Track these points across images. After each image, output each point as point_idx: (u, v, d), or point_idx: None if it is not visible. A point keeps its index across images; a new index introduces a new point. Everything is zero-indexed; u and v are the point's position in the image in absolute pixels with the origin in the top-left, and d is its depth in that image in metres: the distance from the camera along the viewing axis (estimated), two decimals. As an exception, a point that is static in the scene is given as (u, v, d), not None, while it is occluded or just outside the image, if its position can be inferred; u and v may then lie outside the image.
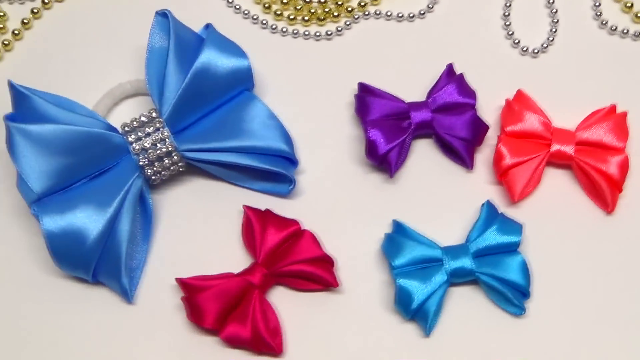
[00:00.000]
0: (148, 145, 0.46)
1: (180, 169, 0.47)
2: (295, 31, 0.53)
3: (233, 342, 0.43)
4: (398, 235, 0.45)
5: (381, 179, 0.48)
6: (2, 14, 0.55)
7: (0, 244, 0.47)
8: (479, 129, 0.48)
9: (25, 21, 0.54)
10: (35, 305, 0.45)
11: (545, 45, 0.52)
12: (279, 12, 0.54)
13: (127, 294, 0.45)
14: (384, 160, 0.47)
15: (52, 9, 0.55)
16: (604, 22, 0.53)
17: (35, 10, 0.55)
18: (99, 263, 0.45)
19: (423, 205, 0.47)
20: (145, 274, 0.46)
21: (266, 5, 0.54)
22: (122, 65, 0.52)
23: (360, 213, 0.47)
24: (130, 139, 0.46)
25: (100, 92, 0.51)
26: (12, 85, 0.46)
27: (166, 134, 0.46)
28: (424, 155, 0.49)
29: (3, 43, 0.53)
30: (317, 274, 0.44)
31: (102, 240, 0.44)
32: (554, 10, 0.53)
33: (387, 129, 0.48)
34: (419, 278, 0.43)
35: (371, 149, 0.47)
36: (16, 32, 0.54)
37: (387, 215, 0.47)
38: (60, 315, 0.45)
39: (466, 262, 0.44)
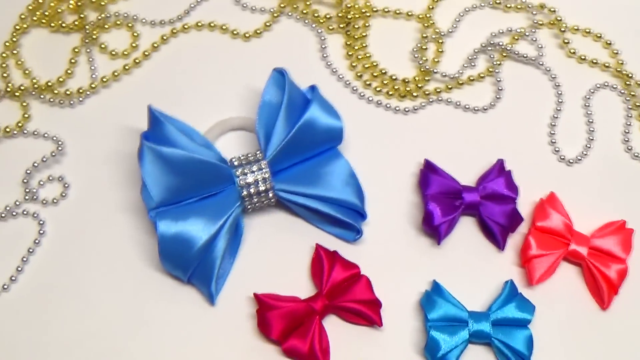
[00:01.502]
0: (251, 181, 0.56)
1: (271, 204, 0.58)
2: (379, 101, 0.64)
3: (291, 354, 0.54)
4: (435, 294, 0.56)
5: (429, 243, 0.59)
6: (136, 33, 0.65)
7: (114, 236, 0.57)
8: (515, 219, 0.59)
9: (155, 45, 0.64)
10: (131, 290, 0.55)
11: (579, 158, 0.63)
12: (368, 82, 0.64)
13: (212, 297, 0.55)
14: (436, 229, 0.58)
15: (178, 38, 0.65)
16: (629, 148, 0.63)
17: (164, 37, 0.65)
18: (196, 268, 0.55)
19: (459, 272, 0.58)
20: (227, 284, 0.56)
21: (358, 74, 0.65)
22: (232, 102, 0.62)
23: (408, 268, 0.58)
24: (237, 173, 0.56)
25: (212, 121, 0.61)
26: (150, 110, 0.56)
27: (267, 174, 0.56)
28: (467, 230, 0.59)
29: (134, 60, 0.63)
30: (366, 313, 0.55)
31: (204, 250, 0.55)
32: (592, 130, 0.64)
33: (443, 204, 0.58)
34: (447, 332, 0.54)
35: (428, 219, 0.58)
36: (146, 52, 0.64)
37: (429, 274, 0.57)
38: (151, 304, 0.55)
39: (486, 327, 0.55)
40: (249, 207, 0.57)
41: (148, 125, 0.56)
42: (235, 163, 0.57)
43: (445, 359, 0.54)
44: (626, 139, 0.64)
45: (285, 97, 0.57)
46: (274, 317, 0.54)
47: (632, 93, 0.65)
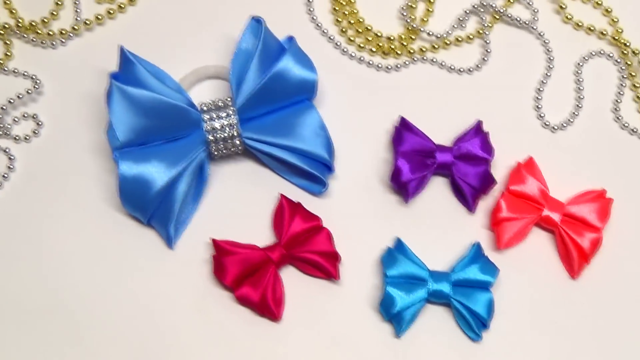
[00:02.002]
0: (218, 127, 0.56)
1: (238, 152, 0.57)
2: (361, 57, 0.62)
3: (243, 301, 0.54)
4: (397, 251, 0.55)
5: (397, 200, 0.58)
6: (124, -20, 0.65)
7: (81, 175, 0.57)
8: (488, 182, 0.57)
9: (142, -9, 0.65)
10: (92, 229, 0.56)
11: (564, 125, 0.61)
12: (352, 38, 0.63)
13: (170, 241, 0.55)
14: (404, 187, 0.57)
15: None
16: (619, 117, 0.61)
17: (152, -16, 0.65)
18: (155, 210, 0.55)
19: (424, 231, 0.57)
20: (188, 229, 0.56)
21: (343, 29, 0.64)
22: (209, 49, 0.62)
23: (373, 225, 0.57)
24: (205, 117, 0.56)
25: (187, 68, 0.60)
26: (121, 49, 0.56)
27: (235, 120, 0.56)
28: (437, 190, 0.58)
29: (119, 5, 0.63)
30: (323, 265, 0.54)
31: (163, 192, 0.54)
32: (581, 97, 0.62)
33: (413, 162, 0.57)
34: (404, 290, 0.53)
35: (396, 175, 0.56)
36: (132, -2, 0.64)
37: (393, 232, 0.56)
38: (110, 243, 0.55)
39: (445, 287, 0.53)
40: (215, 152, 0.56)
41: (119, 66, 0.56)
42: (204, 108, 0.56)
43: (401, 316, 0.53)
44: (616, 108, 0.61)
45: (259, 45, 0.57)
46: (229, 262, 0.53)
47: (628, 62, 0.63)
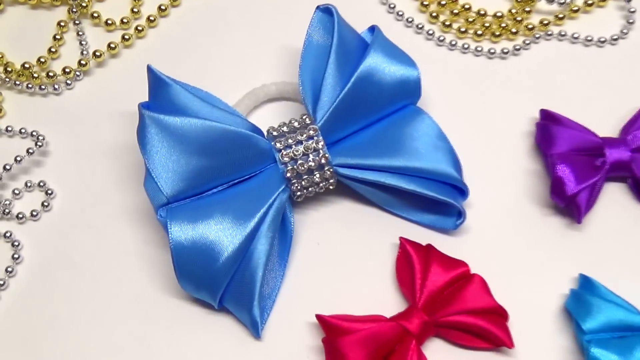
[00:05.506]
0: (298, 155, 0.39)
1: (330, 187, 0.41)
2: (465, 45, 0.47)
3: (379, 399, 0.36)
4: (587, 293, 0.37)
5: (564, 223, 0.41)
6: (137, -4, 0.50)
7: (117, 253, 0.41)
8: (687, 178, 0.41)
9: (163, 7, 0.49)
10: (148, 328, 0.39)
11: None
12: (447, 23, 0.47)
13: (256, 328, 0.38)
14: (572, 202, 0.40)
15: (192, -3, 0.50)
16: None
17: (174, -3, 0.50)
18: (229, 286, 0.38)
19: (614, 258, 0.40)
20: (277, 305, 0.39)
21: (433, 14, 0.48)
22: (265, 66, 0.46)
23: (538, 261, 0.40)
24: (278, 146, 0.40)
25: (240, 93, 0.45)
26: (150, 71, 0.40)
27: (321, 144, 0.40)
28: (615, 200, 0.41)
29: (136, 29, 0.48)
30: (488, 329, 0.37)
31: (237, 259, 0.38)
32: None
33: (578, 166, 0.40)
34: (617, 350, 0.35)
35: (558, 188, 0.40)
36: (152, 18, 0.49)
37: (571, 267, 0.39)
38: (173, 343, 0.38)
39: (673, 336, 0.36)
40: (298, 192, 0.40)
41: (149, 93, 0.41)
42: (274, 133, 0.40)
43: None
44: None
45: (335, 40, 0.41)
46: (349, 345, 0.36)
47: None
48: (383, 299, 0.39)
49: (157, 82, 0.40)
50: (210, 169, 0.39)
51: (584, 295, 0.37)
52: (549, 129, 0.42)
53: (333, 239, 0.41)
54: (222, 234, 0.38)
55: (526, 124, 0.44)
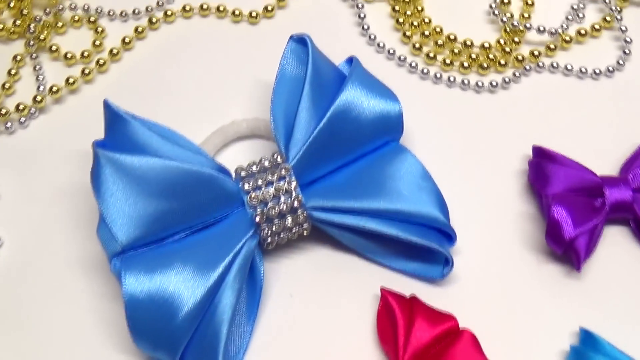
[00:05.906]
0: (269, 197, 0.36)
1: (304, 232, 0.37)
2: (451, 78, 0.44)
3: None
4: (589, 350, 0.34)
5: (562, 271, 0.37)
6: (100, 29, 0.47)
7: (69, 309, 0.37)
8: (694, 219, 0.37)
9: (127, 40, 0.46)
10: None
11: None
12: (431, 55, 0.44)
13: (221, 392, 0.34)
14: (570, 247, 0.36)
15: (159, 29, 0.47)
16: None
17: (139, 30, 0.46)
18: (190, 345, 0.34)
19: (618, 309, 0.36)
20: (246, 365, 0.35)
21: (416, 46, 0.45)
22: (236, 101, 0.43)
23: (534, 314, 0.36)
24: (246, 187, 0.36)
25: (209, 130, 0.41)
26: (107, 105, 0.37)
27: (293, 185, 0.36)
28: (617, 245, 0.38)
29: (97, 63, 0.45)
30: (480, 392, 0.33)
31: (199, 314, 0.34)
32: None
33: (575, 208, 0.37)
34: (625, 413, 0.32)
35: (554, 232, 0.36)
36: (114, 51, 0.46)
37: (571, 320, 0.36)
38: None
39: (686, 397, 0.32)
40: (268, 239, 0.36)
41: (105, 130, 0.37)
42: (242, 174, 0.37)
43: None
44: None
45: (310, 72, 0.38)
46: (323, 412, 0.32)
47: None
48: (363, 358, 0.35)
49: (113, 118, 0.37)
50: (170, 214, 0.35)
51: (586, 352, 0.34)
52: (543, 167, 0.38)
53: (307, 291, 0.37)
54: (182, 285, 0.34)
55: (518, 162, 0.40)
